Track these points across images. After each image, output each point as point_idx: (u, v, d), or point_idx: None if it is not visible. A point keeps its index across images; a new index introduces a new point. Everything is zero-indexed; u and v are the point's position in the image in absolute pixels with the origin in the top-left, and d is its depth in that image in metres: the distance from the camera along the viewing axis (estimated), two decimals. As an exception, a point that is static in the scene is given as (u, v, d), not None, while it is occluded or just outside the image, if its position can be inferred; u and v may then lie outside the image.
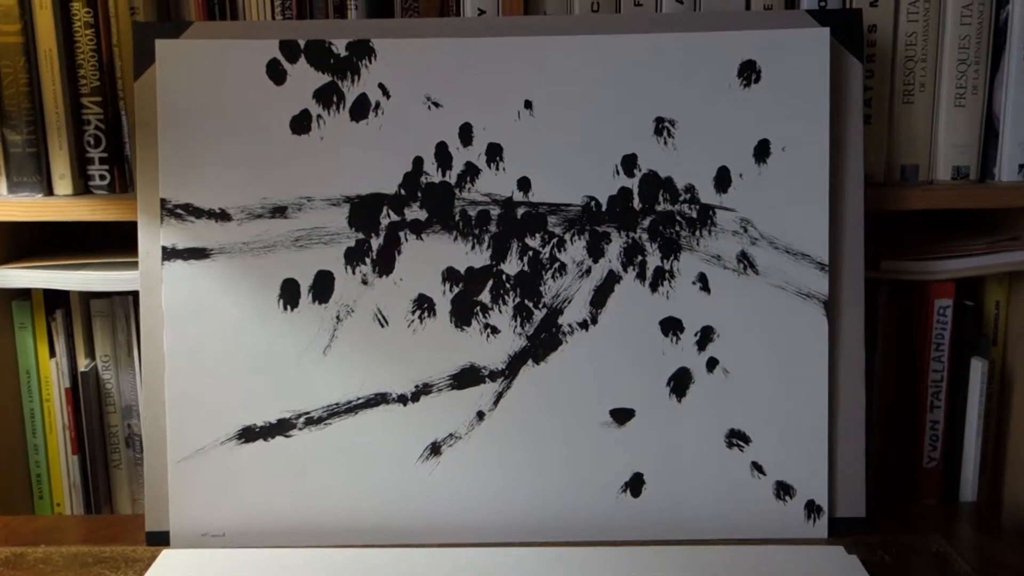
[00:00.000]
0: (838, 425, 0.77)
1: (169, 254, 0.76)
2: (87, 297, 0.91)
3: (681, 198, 0.76)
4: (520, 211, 0.76)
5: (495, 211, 0.76)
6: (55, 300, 0.92)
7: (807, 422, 0.76)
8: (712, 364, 0.77)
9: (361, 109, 0.75)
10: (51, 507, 0.94)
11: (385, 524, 0.76)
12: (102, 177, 0.83)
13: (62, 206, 0.81)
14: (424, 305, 0.77)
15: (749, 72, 0.76)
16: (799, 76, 0.75)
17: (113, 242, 0.88)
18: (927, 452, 0.86)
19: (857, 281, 0.80)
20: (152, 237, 0.77)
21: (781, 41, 0.75)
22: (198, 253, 0.76)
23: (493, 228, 0.76)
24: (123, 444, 0.94)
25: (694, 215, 0.76)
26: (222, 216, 0.76)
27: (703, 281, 0.76)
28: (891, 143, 0.82)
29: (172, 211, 0.76)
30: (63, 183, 0.83)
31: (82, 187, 0.83)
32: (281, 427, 0.77)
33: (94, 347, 0.93)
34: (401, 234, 0.76)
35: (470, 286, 0.76)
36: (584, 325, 0.76)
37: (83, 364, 0.92)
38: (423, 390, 0.76)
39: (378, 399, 0.77)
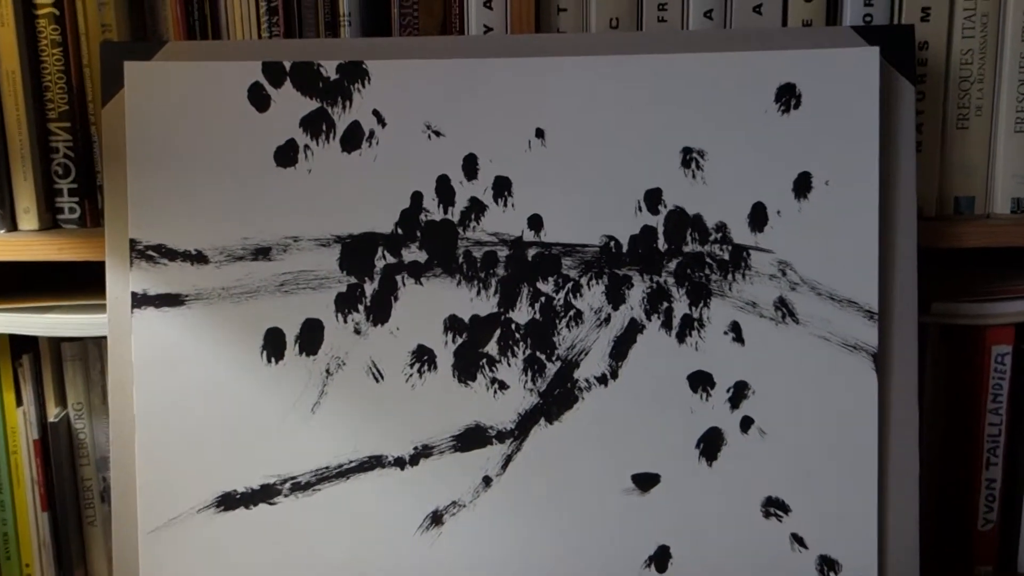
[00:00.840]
0: (889, 492, 0.71)
1: (139, 300, 0.71)
2: (57, 340, 0.84)
3: (711, 238, 0.71)
4: (531, 252, 0.71)
5: (503, 252, 0.71)
6: (22, 343, 0.84)
7: (854, 489, 0.71)
8: (747, 424, 0.71)
9: (353, 139, 0.70)
10: (20, 569, 0.88)
11: (381, 602, 0.71)
12: (72, 210, 0.77)
13: (26, 244, 0.75)
14: (424, 357, 0.71)
15: (788, 97, 0.70)
16: (845, 101, 0.69)
17: (88, 278, 0.82)
18: (982, 514, 0.79)
19: (910, 331, 0.73)
20: (121, 281, 0.71)
21: (825, 62, 0.69)
22: (172, 299, 0.71)
23: (501, 271, 0.71)
24: (98, 499, 0.87)
25: (726, 257, 0.71)
26: (198, 258, 0.71)
27: (736, 331, 0.71)
28: (944, 173, 0.75)
29: (143, 253, 0.71)
30: (28, 217, 0.76)
31: (50, 221, 0.78)
32: (265, 493, 0.71)
33: (65, 394, 0.86)
34: (398, 278, 0.71)
35: (475, 336, 0.71)
36: (603, 380, 0.71)
37: (53, 413, 0.85)
38: (423, 452, 0.71)
39: (373, 462, 0.72)
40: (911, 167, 0.73)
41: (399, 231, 0.71)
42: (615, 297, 0.71)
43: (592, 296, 0.71)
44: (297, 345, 0.71)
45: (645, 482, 0.72)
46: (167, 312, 0.71)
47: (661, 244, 0.71)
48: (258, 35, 0.75)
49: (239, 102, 0.70)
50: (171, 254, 0.71)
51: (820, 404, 0.71)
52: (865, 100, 0.71)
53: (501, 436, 0.72)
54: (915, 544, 0.73)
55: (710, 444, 0.72)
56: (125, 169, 0.70)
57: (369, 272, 0.71)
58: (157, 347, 0.71)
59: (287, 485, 0.72)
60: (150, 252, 0.71)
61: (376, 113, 0.70)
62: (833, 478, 0.71)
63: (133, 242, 0.71)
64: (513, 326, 0.71)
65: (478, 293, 0.71)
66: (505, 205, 0.71)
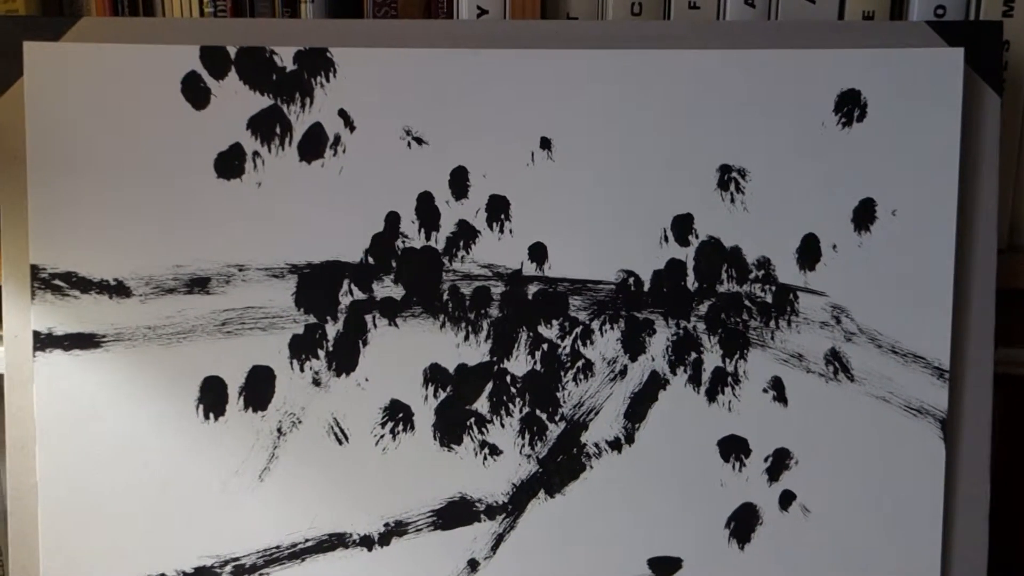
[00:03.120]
0: (951, 570, 0.66)
1: (44, 342, 0.64)
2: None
3: (752, 275, 0.65)
4: (532, 289, 0.65)
5: (497, 288, 0.65)
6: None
7: (914, 571, 0.66)
8: (787, 499, 0.66)
9: (314, 145, 0.64)
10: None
11: None
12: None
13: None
14: (398, 415, 0.66)
15: (851, 106, 0.64)
16: (919, 113, 0.63)
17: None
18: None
19: (984, 392, 0.66)
20: (20, 317, 0.64)
21: (896, 65, 0.63)
22: (85, 341, 0.64)
23: (494, 312, 0.65)
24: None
25: (769, 299, 0.65)
26: (118, 290, 0.64)
27: (778, 388, 0.66)
28: (1019, 198, 0.70)
29: (48, 282, 0.64)
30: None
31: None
32: None
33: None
34: (368, 318, 0.65)
35: (462, 390, 0.65)
36: (616, 445, 0.66)
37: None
38: (395, 530, 0.66)
39: (334, 541, 0.66)
40: (993, 194, 0.65)
41: (370, 260, 0.65)
42: (633, 345, 0.66)
43: (605, 344, 0.66)
44: (242, 399, 0.65)
45: (664, 568, 0.66)
46: (79, 356, 0.65)
47: (691, 282, 0.66)
48: (200, 12, 0.69)
49: (171, 96, 0.64)
50: (84, 284, 0.65)
51: (876, 479, 0.66)
52: (944, 112, 0.63)
53: (491, 511, 0.66)
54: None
55: (742, 523, 0.66)
56: (25, 177, 0.63)
57: (332, 310, 0.65)
58: (66, 399, 0.64)
59: (228, 568, 0.65)
60: (57, 281, 0.64)
61: (343, 114, 0.64)
62: (890, 565, 0.66)
63: (36, 269, 0.64)
64: (508, 379, 0.66)
65: (466, 338, 0.66)
66: (501, 231, 0.65)
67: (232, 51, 0.63)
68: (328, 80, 0.63)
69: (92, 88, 0.63)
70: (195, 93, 0.63)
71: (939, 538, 0.65)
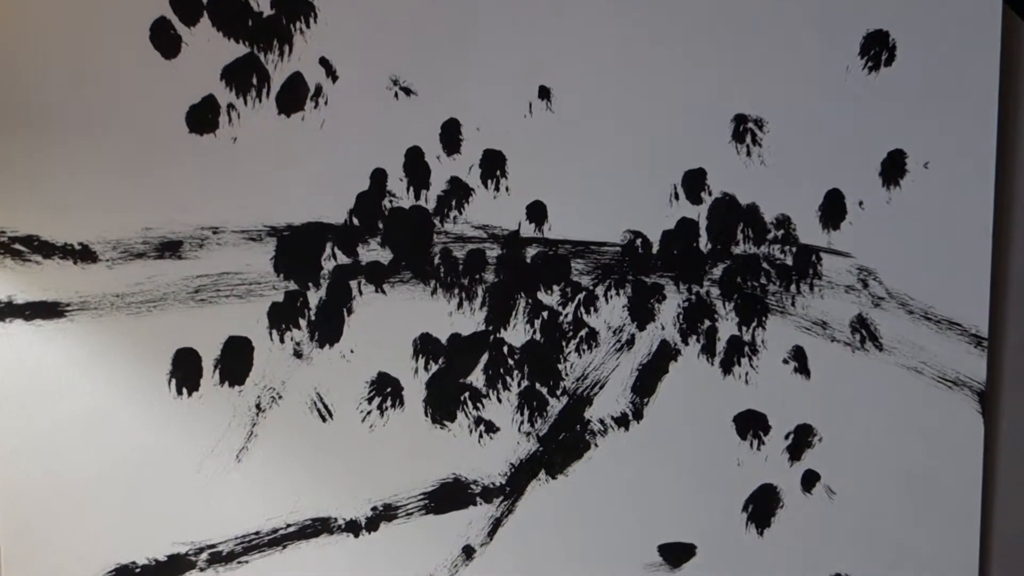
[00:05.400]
0: (991, 561, 0.64)
1: (3, 311, 0.61)
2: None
3: (770, 235, 0.63)
4: (530, 252, 0.63)
5: (493, 251, 0.63)
6: None
7: (949, 561, 0.63)
8: (810, 480, 0.64)
9: (294, 97, 0.62)
10: None
11: None
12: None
13: None
14: (386, 390, 0.63)
15: (878, 48, 0.61)
16: (953, 56, 0.61)
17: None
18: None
19: None
20: None
21: (929, 2, 0.60)
22: (48, 310, 0.62)
23: (490, 277, 0.63)
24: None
25: (789, 261, 0.63)
26: (84, 255, 0.62)
27: (799, 359, 0.63)
28: None
29: (7, 247, 0.61)
30: None
31: None
32: (174, 567, 0.63)
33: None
34: (353, 284, 0.63)
35: (455, 362, 0.63)
36: (623, 421, 0.63)
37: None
38: (384, 514, 0.63)
39: (318, 527, 0.63)
40: (1034, 144, 0.62)
41: (354, 221, 0.63)
42: (641, 313, 0.63)
43: (610, 311, 0.63)
44: (217, 372, 0.63)
45: (676, 555, 0.64)
46: (41, 327, 0.62)
47: (703, 243, 0.63)
48: (174, -40, 0.67)
49: (138, 44, 0.61)
50: (46, 249, 0.62)
51: (908, 457, 0.64)
52: (981, 55, 0.60)
53: (488, 494, 0.64)
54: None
55: (762, 506, 0.64)
56: (-18, 133, 0.61)
57: (314, 276, 0.63)
58: (26, 373, 0.62)
59: (203, 556, 0.63)
60: (17, 246, 0.62)
61: (324, 62, 0.62)
62: (924, 549, 0.64)
63: (-7, 231, 0.62)
64: (505, 349, 0.63)
65: (459, 305, 0.63)
66: (497, 189, 0.63)
67: (205, -6, 0.61)
68: (308, 26, 0.61)
69: (54, 36, 0.60)
70: (165, 41, 0.60)
71: (977, 522, 0.63)
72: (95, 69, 0.61)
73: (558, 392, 0.63)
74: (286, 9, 0.60)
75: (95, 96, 0.61)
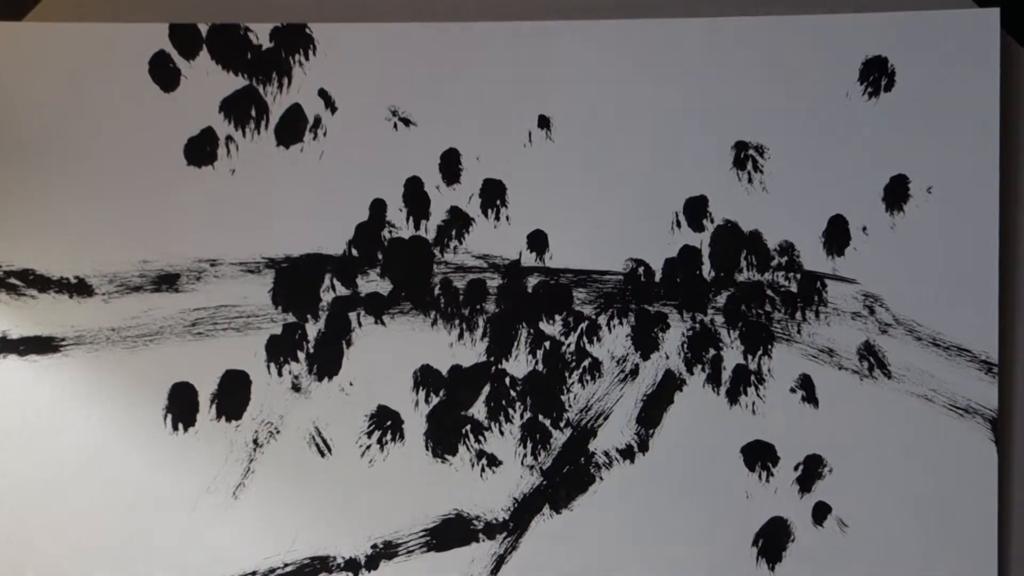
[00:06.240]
0: None
1: None
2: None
3: (774, 262, 0.62)
4: (532, 281, 0.62)
5: (494, 281, 0.62)
6: None
7: None
8: (821, 512, 0.62)
9: (293, 128, 0.62)
10: None
11: None
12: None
13: None
14: (386, 423, 0.62)
15: (878, 74, 0.61)
16: (953, 80, 0.61)
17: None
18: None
19: None
20: None
21: (926, 29, 0.61)
22: (43, 345, 0.62)
23: (491, 307, 0.62)
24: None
25: (793, 288, 0.62)
26: (80, 288, 0.62)
27: (807, 388, 0.62)
28: None
29: (2, 281, 0.62)
30: None
31: None
32: None
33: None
34: (352, 316, 0.62)
35: (456, 394, 0.62)
36: (628, 453, 0.62)
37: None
38: (384, 552, 0.62)
39: (316, 566, 0.62)
40: (1038, 168, 0.62)
41: (353, 252, 0.62)
42: (645, 342, 0.62)
43: (613, 340, 0.63)
44: (214, 407, 0.62)
45: None
46: (36, 362, 0.62)
47: (706, 271, 0.62)
48: (173, -6, 0.68)
49: (138, 77, 0.62)
50: (42, 282, 0.62)
51: (920, 487, 0.62)
52: (981, 79, 0.60)
53: (491, 530, 0.62)
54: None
55: (772, 540, 0.62)
56: (-20, 167, 0.62)
57: (313, 308, 0.62)
58: (20, 409, 0.62)
59: None
60: (12, 280, 0.62)
61: (323, 94, 0.62)
62: None
63: (-11, 266, 0.62)
64: (507, 380, 0.62)
65: (460, 336, 0.63)
66: (497, 218, 0.63)
67: (203, 28, 0.61)
68: (307, 58, 0.61)
69: (55, 70, 0.61)
70: (164, 74, 0.61)
71: (994, 553, 0.61)
72: (94, 102, 0.61)
73: (561, 424, 0.61)
74: (285, 42, 0.61)
75: (93, 129, 0.62)
